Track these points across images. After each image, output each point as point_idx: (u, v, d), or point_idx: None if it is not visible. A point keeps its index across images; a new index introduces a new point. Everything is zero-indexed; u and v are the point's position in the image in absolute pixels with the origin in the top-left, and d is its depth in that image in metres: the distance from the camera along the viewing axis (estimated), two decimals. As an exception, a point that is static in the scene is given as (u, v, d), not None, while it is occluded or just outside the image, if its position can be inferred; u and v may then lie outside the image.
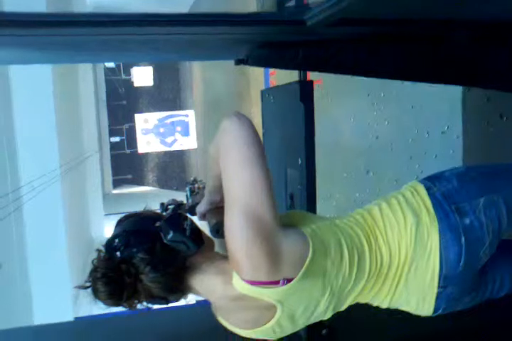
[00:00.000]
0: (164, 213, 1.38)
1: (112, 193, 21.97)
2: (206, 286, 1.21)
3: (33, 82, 7.64)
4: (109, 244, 1.18)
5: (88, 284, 1.17)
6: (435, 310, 1.32)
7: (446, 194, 1.28)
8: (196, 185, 1.56)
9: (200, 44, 1.65)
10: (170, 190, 20.06)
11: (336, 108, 5.06)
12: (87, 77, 14.97)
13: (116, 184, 22.74)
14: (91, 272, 1.17)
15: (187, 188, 1.56)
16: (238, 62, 1.82)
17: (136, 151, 14.30)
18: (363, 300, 1.35)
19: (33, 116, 7.83)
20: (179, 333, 2.63)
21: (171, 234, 1.16)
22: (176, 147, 13.70)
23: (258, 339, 1.31)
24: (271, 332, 1.24)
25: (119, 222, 1.25)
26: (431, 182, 1.33)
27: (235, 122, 1.16)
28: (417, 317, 1.39)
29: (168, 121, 13.12)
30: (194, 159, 16.61)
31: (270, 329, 1.23)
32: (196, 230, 1.20)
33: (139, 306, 1.21)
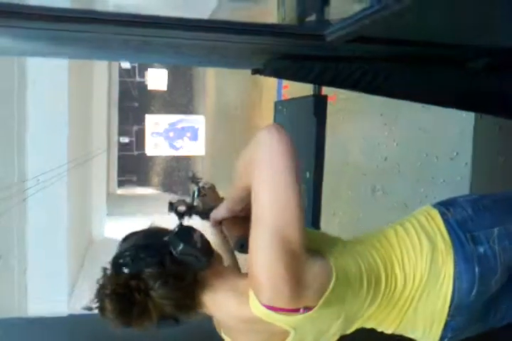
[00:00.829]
0: (172, 212, 1.34)
1: (115, 193, 22.01)
2: (219, 304, 1.16)
3: (49, 77, 7.69)
4: (117, 259, 1.13)
5: (95, 305, 1.12)
6: (441, 339, 1.29)
7: (461, 221, 1.26)
8: (201, 184, 1.50)
9: (219, 51, 1.66)
10: (174, 194, 20.09)
11: (347, 126, 5.07)
12: (102, 77, 15.07)
13: (121, 184, 22.79)
14: (98, 290, 1.12)
15: (194, 188, 1.48)
16: (255, 71, 1.83)
17: (144, 153, 14.34)
18: (369, 325, 1.31)
19: (46, 110, 7.88)
20: (174, 334, 2.63)
21: (181, 247, 1.10)
22: (183, 152, 13.72)
23: None
24: None
25: (125, 239, 1.20)
26: (445, 208, 1.31)
27: (274, 136, 1.06)
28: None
29: (179, 125, 13.16)
30: (201, 165, 16.64)
31: None
32: (207, 243, 1.16)
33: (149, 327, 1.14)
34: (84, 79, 11.51)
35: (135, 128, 18.58)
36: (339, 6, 1.55)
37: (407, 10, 1.04)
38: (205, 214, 1.36)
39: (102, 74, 15.11)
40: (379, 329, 1.34)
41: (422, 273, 1.22)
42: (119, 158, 20.71)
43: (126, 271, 1.10)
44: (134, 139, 18.90)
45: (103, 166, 16.46)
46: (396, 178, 4.07)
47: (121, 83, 18.94)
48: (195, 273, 1.13)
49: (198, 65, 12.89)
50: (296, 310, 1.08)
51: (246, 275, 1.14)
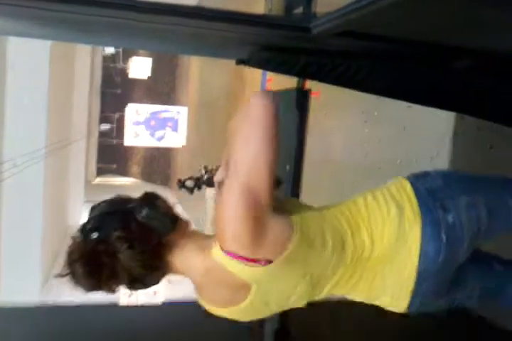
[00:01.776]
0: (183, 189, 1.39)
1: (94, 181, 21.82)
2: (186, 262, 1.21)
3: (30, 59, 7.58)
4: (84, 226, 1.18)
5: (66, 271, 1.17)
6: (409, 306, 1.32)
7: (431, 190, 1.30)
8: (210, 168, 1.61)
9: (204, 39, 1.65)
10: (153, 184, 19.98)
11: (329, 121, 5.08)
12: (84, 62, 14.88)
13: (100, 172, 22.59)
14: (67, 256, 1.17)
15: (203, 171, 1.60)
16: (239, 62, 1.82)
17: (123, 142, 14.20)
18: (339, 292, 1.35)
19: (26, 93, 7.76)
20: (141, 329, 2.63)
21: (144, 211, 1.17)
22: (164, 143, 13.63)
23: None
24: (244, 313, 1.25)
25: (93, 208, 1.25)
26: (416, 179, 1.36)
27: (258, 99, 1.16)
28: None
29: (161, 115, 13.06)
30: (181, 156, 16.56)
31: (243, 310, 1.23)
32: (170, 208, 1.23)
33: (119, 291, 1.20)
34: (66, 63, 11.35)
35: (116, 115, 18.42)
36: (327, -1, 1.54)
37: (394, 6, 1.03)
38: (209, 182, 1.46)
39: (85, 59, 14.92)
40: (349, 297, 1.38)
41: (390, 239, 1.26)
42: (99, 145, 20.52)
43: (93, 236, 1.15)
44: (114, 126, 18.73)
45: (82, 153, 16.30)
46: (376, 175, 4.09)
47: (104, 68, 18.73)
48: (160, 235, 1.18)
49: (183, 53, 12.79)
50: (257, 261, 1.14)
51: (213, 236, 1.21)
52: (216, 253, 1.16)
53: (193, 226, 1.31)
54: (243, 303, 1.21)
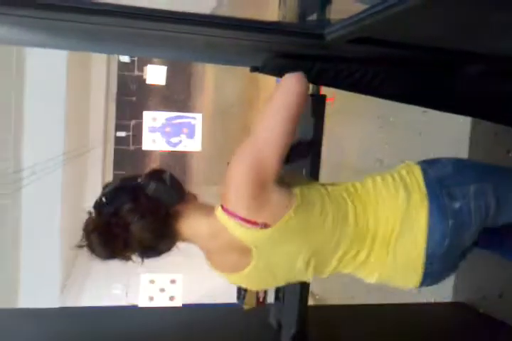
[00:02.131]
0: None
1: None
2: (193, 228, 1.30)
3: (47, 67, 7.67)
4: (98, 202, 1.28)
5: (84, 242, 1.26)
6: (421, 283, 1.39)
7: (440, 177, 1.35)
8: None
9: (218, 47, 1.66)
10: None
11: (344, 127, 5.07)
12: (101, 70, 15.01)
13: (116, 179, 22.68)
14: (84, 228, 1.26)
15: None
16: (253, 69, 1.82)
17: (140, 148, 14.28)
18: (346, 269, 1.40)
19: (44, 100, 7.84)
20: (162, 332, 2.66)
21: (152, 186, 1.26)
22: (180, 148, 13.68)
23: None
24: (250, 279, 1.33)
25: (106, 186, 1.33)
26: (427, 165, 1.41)
27: (292, 81, 1.28)
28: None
29: (176, 121, 13.12)
30: (196, 162, 16.60)
31: (249, 276, 1.31)
32: (176, 182, 1.32)
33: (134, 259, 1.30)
34: (82, 71, 11.48)
35: (132, 122, 18.53)
36: (341, 5, 1.55)
37: (407, 12, 1.03)
38: None
39: (101, 68, 15.06)
40: (360, 276, 1.44)
41: (396, 220, 1.32)
42: (116, 152, 20.65)
43: (106, 209, 1.25)
44: (130, 134, 18.85)
45: (99, 160, 16.41)
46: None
47: (120, 77, 18.86)
48: (167, 206, 1.27)
49: (197, 61, 12.84)
50: (255, 223, 1.21)
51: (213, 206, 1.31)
52: (219, 213, 1.25)
53: (201, 199, 1.40)
54: (248, 268, 1.29)
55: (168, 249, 1.33)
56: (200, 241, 1.32)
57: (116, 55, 15.95)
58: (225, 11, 10.65)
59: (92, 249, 1.25)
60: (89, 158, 13.69)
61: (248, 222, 1.22)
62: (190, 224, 1.30)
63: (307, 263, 1.33)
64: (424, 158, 3.61)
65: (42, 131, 7.85)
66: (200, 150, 13.77)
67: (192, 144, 13.42)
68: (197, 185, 16.84)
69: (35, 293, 7.97)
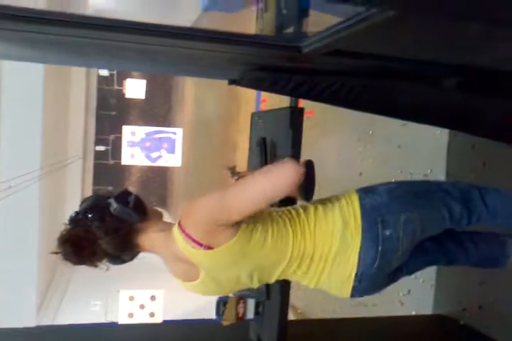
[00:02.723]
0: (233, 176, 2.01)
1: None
2: (151, 242, 1.51)
3: (24, 81, 7.60)
4: (73, 217, 1.49)
5: (58, 250, 1.46)
6: (351, 295, 1.61)
7: (375, 206, 1.55)
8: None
9: (196, 60, 1.65)
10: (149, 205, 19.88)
11: (323, 140, 5.09)
12: (80, 84, 14.93)
13: (93, 195, 22.41)
14: (59, 238, 1.46)
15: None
16: (231, 82, 1.83)
17: (120, 163, 14.20)
18: (291, 279, 1.66)
19: (20, 114, 7.77)
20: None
21: (115, 207, 1.46)
22: (160, 163, 13.63)
23: None
24: (201, 289, 1.54)
25: (83, 200, 1.54)
26: (365, 194, 1.59)
27: (292, 173, 1.39)
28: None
29: (156, 136, 13.08)
30: (177, 177, 16.53)
31: (200, 287, 1.52)
32: (139, 203, 1.51)
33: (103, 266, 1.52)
34: (61, 85, 11.40)
35: (111, 137, 18.43)
36: (318, 18, 1.55)
37: (382, 25, 1.04)
38: None
39: (80, 82, 14.98)
40: (302, 283, 1.64)
41: (332, 246, 1.52)
42: (95, 166, 20.47)
43: (78, 224, 1.47)
44: (109, 148, 18.74)
45: (78, 175, 16.25)
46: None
47: (99, 91, 18.79)
48: (130, 224, 1.48)
49: (174, 74, 12.85)
50: (200, 244, 1.40)
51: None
52: (175, 229, 1.45)
53: (164, 218, 1.62)
54: (197, 281, 1.50)
55: (131, 258, 1.55)
56: (158, 251, 1.53)
57: (95, 69, 15.91)
58: (206, 24, 10.72)
59: (65, 256, 1.46)
60: (68, 173, 13.54)
61: (195, 241, 1.41)
62: (149, 237, 1.51)
63: (251, 277, 1.54)
64: (402, 169, 3.63)
65: (18, 145, 7.76)
66: (180, 165, 13.75)
67: (172, 159, 13.40)
68: (177, 199, 16.75)
69: (10, 312, 7.80)
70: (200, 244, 1.41)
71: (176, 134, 13.25)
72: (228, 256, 1.45)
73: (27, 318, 8.40)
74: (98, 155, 19.48)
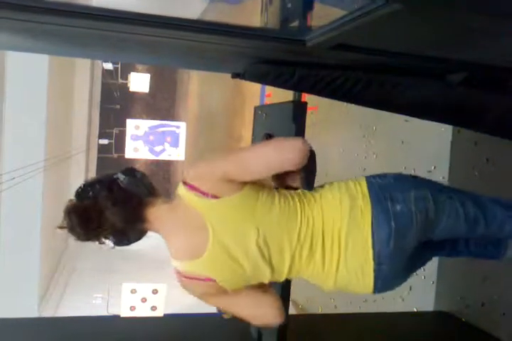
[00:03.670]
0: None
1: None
2: (158, 213, 1.46)
3: (28, 73, 7.60)
4: (78, 189, 1.46)
5: (63, 221, 1.42)
6: (374, 287, 1.50)
7: (383, 185, 1.50)
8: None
9: (200, 52, 1.64)
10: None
11: (327, 136, 5.08)
12: (84, 77, 14.93)
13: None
14: (65, 211, 1.43)
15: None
16: (235, 75, 1.82)
17: (123, 156, 14.21)
18: (305, 273, 1.51)
19: (24, 106, 7.77)
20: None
21: (125, 179, 1.45)
22: (163, 157, 13.64)
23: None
24: (213, 264, 1.43)
25: (87, 179, 1.51)
26: (372, 176, 1.56)
27: (302, 148, 1.42)
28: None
29: (159, 130, 13.09)
30: (181, 171, 16.54)
31: (211, 261, 1.42)
32: (147, 179, 1.50)
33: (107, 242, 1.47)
34: (65, 78, 11.40)
35: (115, 130, 18.44)
36: (323, 12, 1.55)
37: (385, 18, 1.03)
38: None
39: (85, 75, 14.98)
40: (319, 284, 1.55)
41: (342, 222, 1.45)
42: (99, 160, 20.50)
43: (85, 195, 1.44)
44: (113, 141, 18.76)
45: (81, 168, 16.28)
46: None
47: (104, 85, 18.79)
48: (137, 198, 1.45)
49: (177, 67, 12.82)
50: (206, 194, 1.39)
51: None
52: (180, 188, 1.43)
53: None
54: (206, 252, 1.41)
55: (137, 237, 1.49)
56: (164, 225, 1.47)
57: (100, 63, 15.90)
58: (212, 16, 10.70)
59: (70, 228, 1.41)
60: (72, 166, 13.57)
61: (201, 191, 1.39)
62: (155, 210, 1.47)
63: (260, 249, 1.43)
64: (406, 165, 3.62)
65: (22, 137, 7.77)
66: (183, 159, 13.76)
67: (176, 153, 13.40)
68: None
69: (13, 304, 7.84)
70: (207, 194, 1.39)
71: (180, 128, 13.26)
72: (235, 208, 1.42)
73: (29, 310, 8.43)
74: (102, 148, 19.50)
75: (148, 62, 4.26)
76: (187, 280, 1.45)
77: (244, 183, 1.42)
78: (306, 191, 1.53)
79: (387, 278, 1.49)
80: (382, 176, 1.56)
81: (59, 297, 10.35)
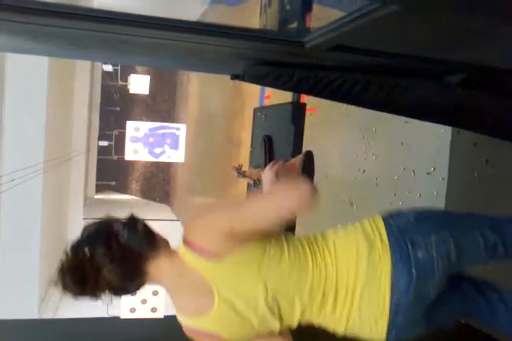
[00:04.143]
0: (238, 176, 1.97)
1: (93, 198, 21.72)
2: (160, 269, 1.38)
3: (28, 75, 7.61)
4: (75, 243, 1.38)
5: (57, 279, 1.34)
6: (387, 336, 1.38)
7: (402, 227, 1.38)
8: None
9: (199, 54, 1.65)
10: (152, 202, 19.91)
11: (326, 138, 5.08)
12: (84, 79, 14.94)
13: (99, 189, 22.51)
14: (59, 267, 1.34)
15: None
16: (234, 77, 1.82)
17: (123, 158, 14.24)
18: (316, 320, 1.42)
19: (24, 107, 7.78)
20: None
21: (125, 234, 1.35)
22: (163, 159, 13.66)
23: None
24: (219, 321, 1.35)
25: (85, 227, 1.43)
26: (389, 216, 1.44)
27: (306, 197, 1.29)
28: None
29: (159, 132, 13.10)
30: (180, 173, 16.54)
31: (217, 318, 1.34)
32: (148, 231, 1.40)
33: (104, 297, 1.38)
34: (65, 80, 11.41)
35: (115, 132, 18.47)
36: (321, 14, 1.55)
37: (383, 20, 1.04)
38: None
39: (84, 77, 14.99)
40: (329, 328, 1.43)
41: (358, 268, 1.34)
42: (98, 162, 20.51)
43: (81, 251, 1.34)
44: (113, 143, 18.78)
45: (81, 170, 16.29)
46: (374, 191, 4.08)
47: (104, 87, 18.82)
48: (139, 252, 1.36)
49: (177, 68, 12.83)
50: (210, 254, 1.31)
51: None
52: (181, 248, 1.35)
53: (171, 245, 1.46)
54: (212, 310, 1.33)
55: (136, 289, 1.42)
56: (166, 281, 1.41)
57: (100, 65, 15.92)
58: (212, 18, 10.71)
59: (64, 287, 1.33)
60: (72, 168, 13.57)
61: (203, 251, 1.32)
62: (158, 265, 1.38)
63: (269, 306, 1.35)
64: (405, 167, 3.62)
65: (22, 139, 7.77)
66: (183, 161, 13.77)
67: (175, 155, 13.41)
68: (180, 195, 16.77)
69: (13, 305, 7.83)
70: (208, 253, 1.31)
71: (180, 130, 13.28)
72: (239, 266, 1.33)
73: (29, 312, 8.42)
74: (101, 150, 19.52)
75: (148, 64, 4.27)
76: (193, 333, 1.39)
77: (249, 236, 1.34)
78: (317, 235, 1.45)
79: (402, 328, 1.39)
80: (399, 214, 1.45)
81: (59, 298, 10.35)
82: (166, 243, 1.45)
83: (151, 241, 1.39)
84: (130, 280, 1.38)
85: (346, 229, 1.44)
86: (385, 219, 1.42)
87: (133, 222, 1.40)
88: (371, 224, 1.42)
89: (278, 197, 1.32)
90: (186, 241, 1.34)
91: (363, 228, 1.42)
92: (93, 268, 1.32)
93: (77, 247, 1.37)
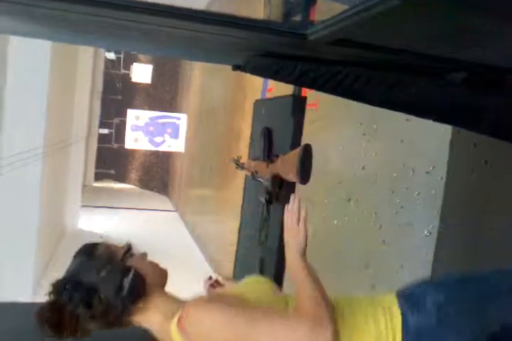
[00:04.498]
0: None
1: (92, 185, 21.73)
2: (148, 323, 1.31)
3: (30, 59, 7.60)
4: (57, 288, 1.32)
5: (38, 325, 1.28)
6: None
7: (420, 329, 1.21)
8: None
9: (200, 43, 1.64)
10: (150, 191, 19.92)
11: (326, 133, 5.07)
12: (87, 66, 14.91)
13: (98, 177, 22.53)
14: (38, 316, 1.30)
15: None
16: (235, 67, 1.81)
17: (123, 146, 14.24)
18: None
19: (26, 92, 7.77)
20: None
21: (108, 292, 1.27)
22: (163, 148, 13.65)
23: None
24: None
25: (76, 255, 1.41)
26: (409, 308, 1.25)
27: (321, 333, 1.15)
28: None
29: (160, 121, 13.09)
30: (180, 163, 16.54)
31: None
32: (136, 284, 1.30)
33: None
34: (67, 66, 11.38)
35: (116, 120, 18.45)
36: (325, 6, 1.54)
37: (386, 14, 1.03)
38: None
39: (87, 64, 14.96)
40: None
41: None
42: (98, 150, 20.51)
43: (64, 300, 1.29)
44: (113, 131, 18.77)
45: (81, 157, 16.29)
46: (372, 188, 4.08)
47: (106, 74, 18.79)
48: (123, 308, 1.28)
49: (178, 58, 12.78)
50: None
51: (180, 301, 1.32)
52: (173, 327, 1.23)
53: (167, 292, 1.39)
54: None
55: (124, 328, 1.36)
56: (153, 330, 1.32)
57: (102, 53, 15.88)
58: (220, 6, 10.67)
59: (45, 333, 1.29)
60: (72, 154, 13.57)
61: None
62: (147, 318, 1.32)
63: None
64: (405, 164, 3.61)
65: (22, 123, 7.77)
66: (183, 151, 13.76)
67: (175, 144, 13.40)
68: (179, 185, 16.77)
69: (7, 290, 7.85)
70: None
71: (180, 120, 13.26)
72: None
73: (24, 296, 8.45)
74: (102, 138, 19.51)
75: (150, 52, 4.24)
76: None
77: None
78: None
79: None
80: (421, 305, 1.25)
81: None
82: (162, 278, 1.39)
83: (138, 296, 1.30)
84: (113, 328, 1.32)
85: (355, 319, 1.25)
86: (403, 316, 1.23)
87: (118, 277, 1.31)
88: (387, 322, 1.23)
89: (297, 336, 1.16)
90: (182, 328, 1.22)
91: (376, 327, 1.23)
92: (72, 320, 1.28)
93: (60, 293, 1.31)
